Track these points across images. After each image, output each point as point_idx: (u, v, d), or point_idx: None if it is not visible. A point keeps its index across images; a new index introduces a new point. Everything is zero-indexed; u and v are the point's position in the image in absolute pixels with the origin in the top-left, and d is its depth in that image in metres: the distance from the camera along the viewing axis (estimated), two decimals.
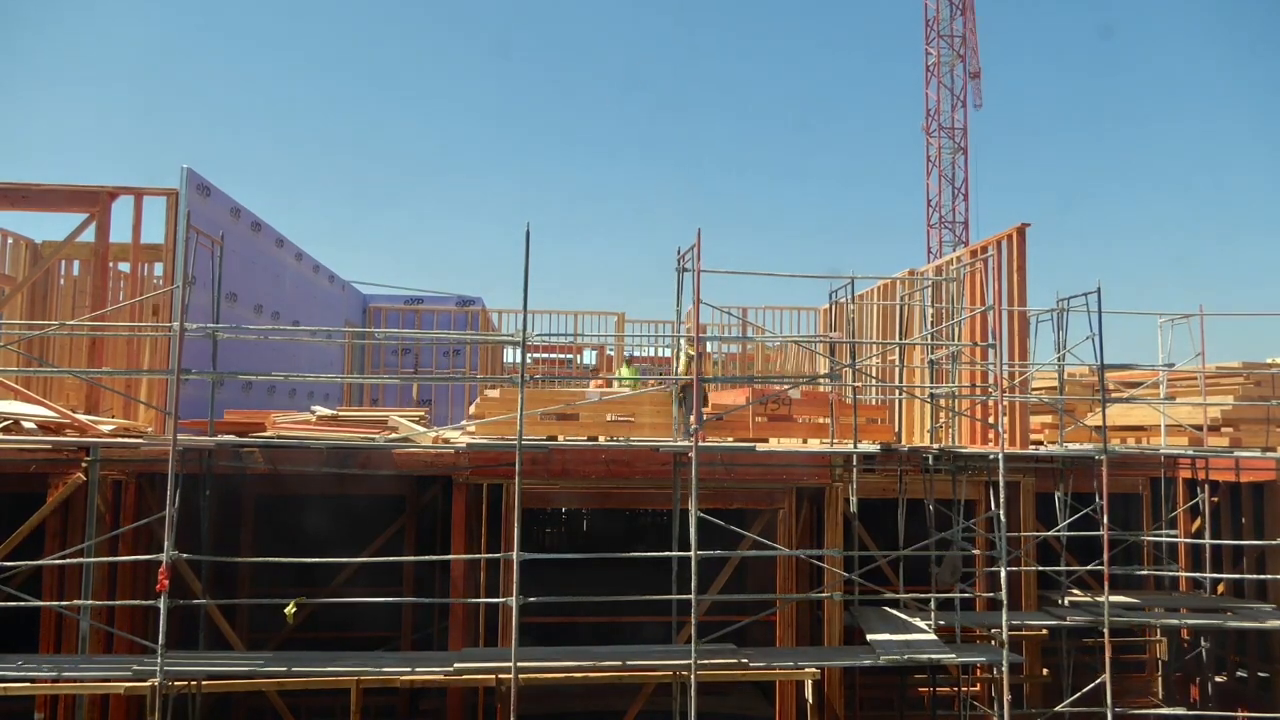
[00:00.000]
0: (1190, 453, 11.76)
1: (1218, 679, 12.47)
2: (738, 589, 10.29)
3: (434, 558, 9.95)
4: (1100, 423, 10.26)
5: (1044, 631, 10.45)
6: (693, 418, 8.92)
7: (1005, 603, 9.17)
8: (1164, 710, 10.79)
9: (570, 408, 10.18)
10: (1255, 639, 12.41)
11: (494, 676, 8.48)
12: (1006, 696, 9.28)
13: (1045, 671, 10.99)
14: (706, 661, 8.57)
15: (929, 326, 12.58)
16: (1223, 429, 12.39)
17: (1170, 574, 11.54)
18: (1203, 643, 12.27)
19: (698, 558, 8.47)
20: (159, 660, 7.86)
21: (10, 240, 13.97)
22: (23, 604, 8.11)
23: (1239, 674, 12.97)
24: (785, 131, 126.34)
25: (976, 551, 10.63)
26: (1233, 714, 11.44)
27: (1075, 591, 11.07)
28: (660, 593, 8.76)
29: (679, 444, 9.16)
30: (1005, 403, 10.29)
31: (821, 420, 11.07)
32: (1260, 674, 12.55)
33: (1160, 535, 11.01)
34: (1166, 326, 12.35)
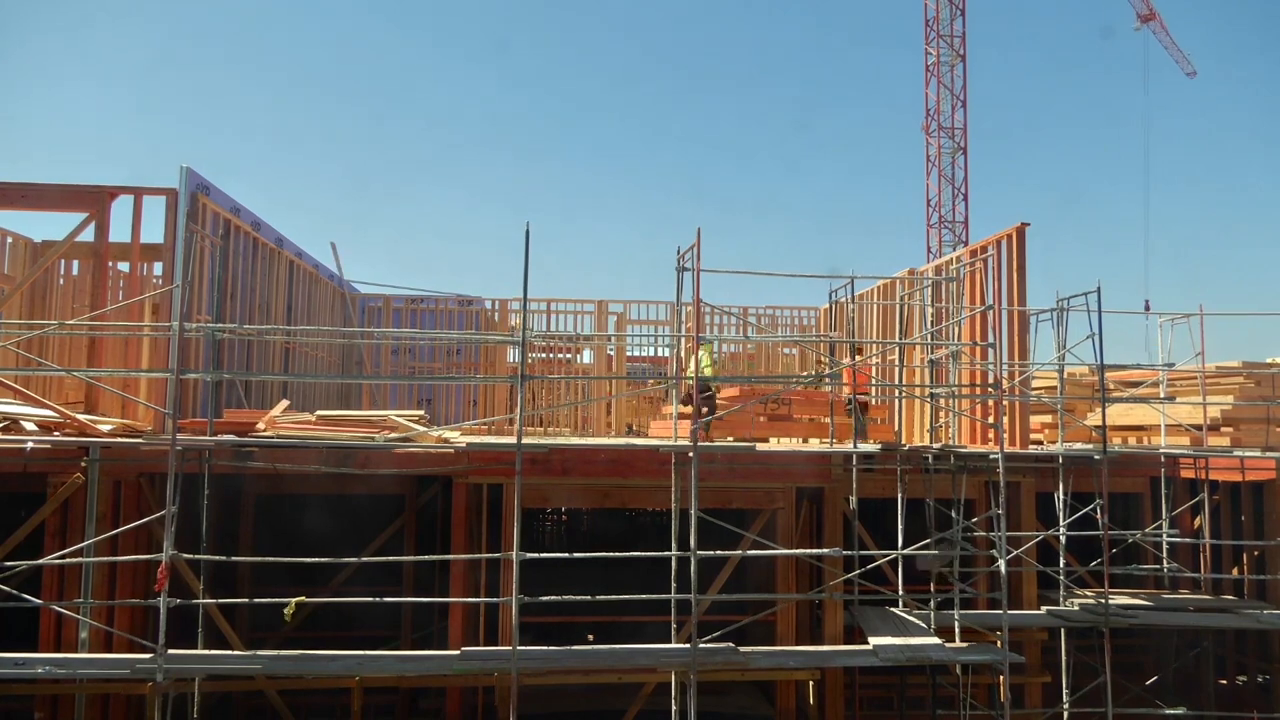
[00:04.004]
0: (1190, 452, 11.76)
1: (1219, 680, 12.45)
2: (738, 588, 10.27)
3: (434, 557, 9.94)
4: (1100, 422, 10.26)
5: (1044, 632, 10.44)
6: (690, 418, 8.91)
7: (1005, 602, 9.17)
8: (1164, 710, 10.77)
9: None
10: (1255, 639, 12.40)
11: (494, 676, 8.48)
12: (1007, 696, 9.28)
13: (1045, 672, 10.99)
14: (707, 661, 8.57)
15: (929, 326, 12.57)
16: (1223, 428, 12.40)
17: (1170, 574, 11.53)
18: (1203, 643, 12.26)
19: (697, 557, 8.47)
20: (159, 659, 7.86)
21: (10, 240, 13.96)
22: (23, 603, 8.10)
23: (1239, 675, 12.96)
24: (786, 130, 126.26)
25: (976, 551, 10.62)
26: (1233, 714, 11.43)
27: (1076, 591, 11.06)
28: (660, 592, 8.76)
29: (679, 444, 9.16)
30: (1005, 402, 10.29)
31: (822, 420, 11.07)
32: (1261, 674, 12.54)
33: (1160, 535, 11.00)
34: (1166, 326, 12.35)
